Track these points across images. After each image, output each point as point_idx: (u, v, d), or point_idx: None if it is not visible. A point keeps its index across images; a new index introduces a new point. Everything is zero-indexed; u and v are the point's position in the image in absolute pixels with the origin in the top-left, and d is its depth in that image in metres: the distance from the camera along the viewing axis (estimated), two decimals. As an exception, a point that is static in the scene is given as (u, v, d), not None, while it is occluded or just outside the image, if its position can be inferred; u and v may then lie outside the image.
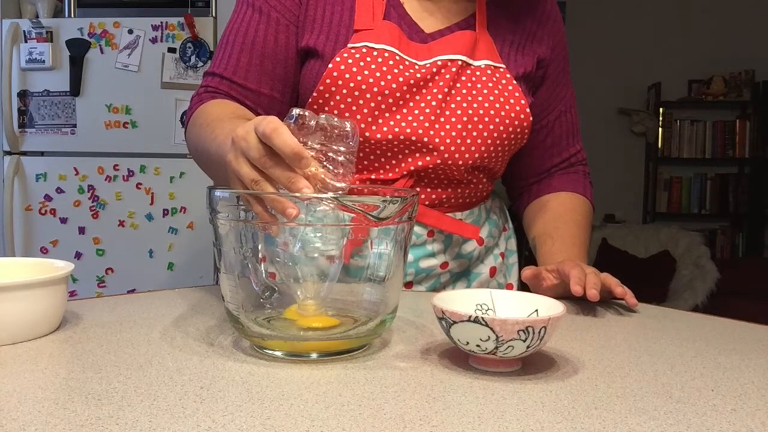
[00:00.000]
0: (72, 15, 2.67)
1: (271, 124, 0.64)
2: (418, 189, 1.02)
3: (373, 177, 1.01)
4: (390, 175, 1.01)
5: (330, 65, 0.96)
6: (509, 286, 1.13)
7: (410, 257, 1.02)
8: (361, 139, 0.97)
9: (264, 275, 0.68)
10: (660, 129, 4.72)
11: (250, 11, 1.01)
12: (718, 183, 4.75)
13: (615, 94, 4.76)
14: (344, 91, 0.96)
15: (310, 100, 0.98)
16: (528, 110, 1.02)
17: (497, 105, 1.00)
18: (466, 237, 1.04)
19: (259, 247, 0.67)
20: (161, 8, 2.57)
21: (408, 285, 1.04)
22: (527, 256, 1.20)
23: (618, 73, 4.72)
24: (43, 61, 2.56)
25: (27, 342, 0.68)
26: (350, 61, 0.96)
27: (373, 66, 0.96)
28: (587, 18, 4.63)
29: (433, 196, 1.03)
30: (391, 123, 0.97)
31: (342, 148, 0.69)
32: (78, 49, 2.55)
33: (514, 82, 1.02)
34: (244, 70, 1.00)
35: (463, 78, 1.00)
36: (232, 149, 0.68)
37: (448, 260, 1.05)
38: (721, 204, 4.74)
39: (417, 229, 1.02)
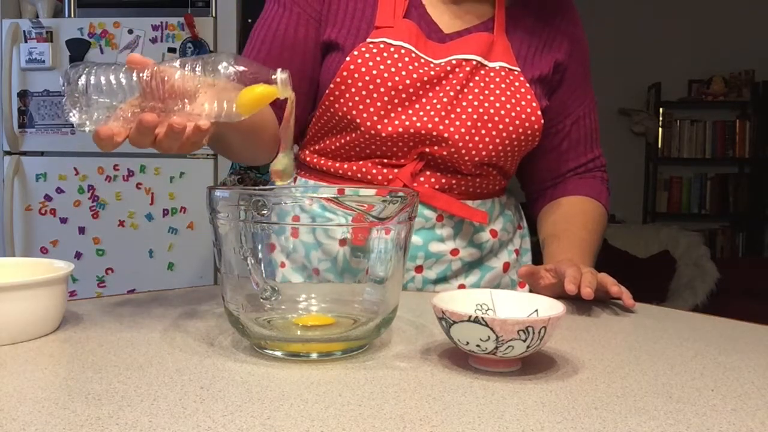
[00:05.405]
0: (72, 15, 2.67)
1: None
2: (427, 172, 1.03)
3: (384, 161, 1.04)
4: (402, 161, 1.03)
5: (348, 58, 0.99)
6: (522, 285, 1.13)
7: (420, 240, 1.03)
8: (372, 132, 1.00)
9: (263, 275, 0.68)
10: (660, 129, 4.72)
11: (275, 6, 1.07)
12: (718, 183, 4.75)
13: (615, 94, 4.75)
14: (359, 84, 0.98)
15: (327, 91, 1.01)
16: (539, 113, 1.03)
17: (508, 106, 1.01)
18: (476, 221, 1.05)
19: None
20: (161, 8, 2.58)
21: (418, 269, 1.04)
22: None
23: (618, 73, 4.72)
24: (43, 61, 2.56)
25: (27, 342, 0.68)
26: (367, 55, 0.99)
27: (389, 61, 0.99)
28: (587, 18, 4.61)
29: (443, 180, 1.04)
30: (403, 117, 1.00)
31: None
32: (78, 49, 2.55)
33: (528, 85, 1.04)
34: (263, 60, 1.04)
35: (477, 78, 1.02)
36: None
37: (459, 247, 1.05)
38: (721, 204, 4.74)
39: (426, 212, 1.03)
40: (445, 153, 1.01)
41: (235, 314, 0.66)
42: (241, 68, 0.71)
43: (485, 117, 1.00)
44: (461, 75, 1.01)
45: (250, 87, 0.70)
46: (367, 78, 0.98)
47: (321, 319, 0.68)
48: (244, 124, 0.77)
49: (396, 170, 1.03)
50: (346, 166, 1.05)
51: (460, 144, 1.00)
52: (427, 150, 1.01)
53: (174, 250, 2.58)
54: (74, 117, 0.71)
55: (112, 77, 0.70)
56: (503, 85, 1.02)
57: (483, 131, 1.01)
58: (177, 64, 0.71)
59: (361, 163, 1.04)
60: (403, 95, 0.99)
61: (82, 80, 0.70)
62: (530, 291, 1.00)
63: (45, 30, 2.56)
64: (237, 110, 0.71)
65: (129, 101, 0.71)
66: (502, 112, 1.01)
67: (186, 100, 0.71)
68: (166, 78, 0.70)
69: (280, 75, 0.72)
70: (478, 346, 0.59)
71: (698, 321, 0.85)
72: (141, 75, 0.70)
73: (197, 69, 0.71)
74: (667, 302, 3.55)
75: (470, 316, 0.59)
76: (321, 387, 0.56)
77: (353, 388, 0.56)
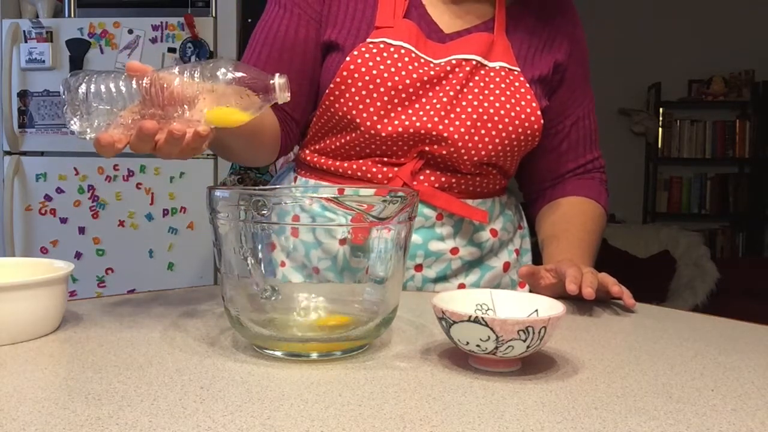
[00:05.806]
0: (72, 15, 2.67)
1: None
2: (427, 171, 1.04)
3: (384, 159, 1.04)
4: (402, 160, 1.03)
5: (348, 58, 0.99)
6: (522, 285, 1.14)
7: (419, 239, 1.03)
8: (372, 131, 1.00)
9: (263, 274, 0.68)
10: (660, 129, 4.72)
11: (276, 8, 1.07)
12: (718, 183, 4.75)
13: (615, 94, 4.75)
14: (359, 84, 0.99)
15: (327, 91, 1.02)
16: (539, 113, 1.03)
17: (508, 106, 1.01)
18: (476, 220, 1.05)
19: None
20: (161, 8, 2.58)
21: (418, 268, 1.04)
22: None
23: (618, 73, 4.72)
24: (43, 61, 2.56)
25: (27, 342, 0.68)
26: (367, 55, 0.99)
27: (388, 61, 0.99)
28: (587, 18, 4.62)
29: (443, 179, 1.04)
30: (402, 117, 1.00)
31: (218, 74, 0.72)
32: (78, 49, 2.55)
33: (528, 85, 1.04)
34: (263, 62, 1.05)
35: (477, 78, 1.02)
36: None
37: (459, 246, 1.06)
38: (721, 204, 4.74)
39: (426, 211, 1.03)
40: (444, 152, 1.01)
41: (235, 314, 0.66)
42: (240, 74, 0.71)
43: (485, 117, 1.01)
44: (461, 75, 1.01)
45: (219, 108, 0.72)
46: (367, 78, 0.98)
47: (338, 320, 0.68)
48: (243, 128, 0.77)
49: (396, 169, 1.03)
50: (346, 164, 1.05)
51: (460, 144, 1.00)
52: (427, 149, 1.01)
53: (174, 250, 2.58)
54: (75, 125, 0.71)
55: (111, 85, 0.71)
56: (503, 85, 1.02)
57: (483, 131, 1.01)
58: (176, 70, 0.72)
59: (361, 161, 1.05)
60: (403, 95, 0.99)
61: (83, 88, 0.70)
62: (530, 291, 1.00)
63: (45, 30, 2.56)
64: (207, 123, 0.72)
65: (129, 108, 0.72)
66: (502, 112, 1.01)
67: (185, 107, 0.71)
68: (165, 85, 0.71)
69: (278, 80, 0.72)
70: (478, 346, 0.59)
71: (698, 321, 0.85)
72: (140, 82, 0.71)
73: (196, 75, 0.71)
74: (667, 302, 3.55)
75: (470, 316, 0.59)
76: (321, 387, 0.56)
77: (353, 388, 0.56)
